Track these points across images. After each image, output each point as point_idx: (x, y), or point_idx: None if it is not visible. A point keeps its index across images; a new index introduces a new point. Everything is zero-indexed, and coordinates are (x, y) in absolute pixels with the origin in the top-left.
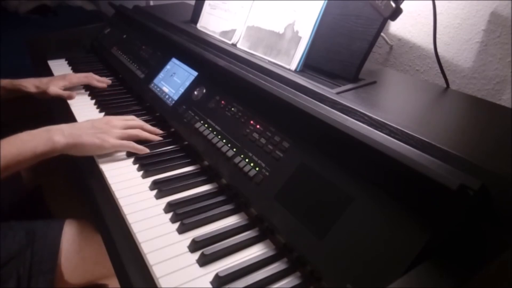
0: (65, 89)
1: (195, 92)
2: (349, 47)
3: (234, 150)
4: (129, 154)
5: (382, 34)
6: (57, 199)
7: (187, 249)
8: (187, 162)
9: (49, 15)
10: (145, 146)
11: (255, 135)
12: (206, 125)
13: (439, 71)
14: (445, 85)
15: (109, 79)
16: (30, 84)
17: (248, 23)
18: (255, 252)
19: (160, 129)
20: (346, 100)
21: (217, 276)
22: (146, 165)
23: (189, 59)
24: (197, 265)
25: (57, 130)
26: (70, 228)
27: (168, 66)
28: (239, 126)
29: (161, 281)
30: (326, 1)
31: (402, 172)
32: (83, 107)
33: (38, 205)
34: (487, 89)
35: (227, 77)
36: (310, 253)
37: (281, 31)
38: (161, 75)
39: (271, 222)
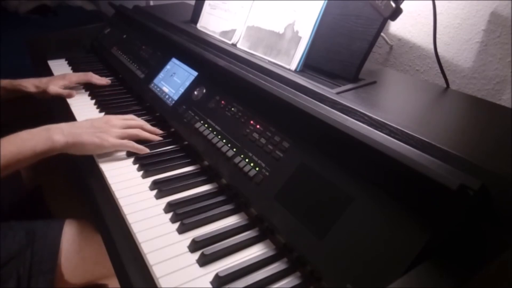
0: (65, 88)
1: (195, 92)
2: (349, 47)
3: (234, 150)
4: (129, 154)
5: (382, 34)
6: (57, 199)
7: (187, 249)
8: (187, 162)
9: (49, 15)
10: (145, 146)
11: (255, 135)
12: (206, 125)
13: (439, 71)
14: (445, 85)
15: (109, 79)
16: (29, 84)
17: (248, 23)
18: (255, 252)
19: (160, 129)
20: (346, 100)
21: (217, 276)
22: (146, 165)
23: (189, 59)
24: (197, 265)
25: (56, 129)
26: (70, 228)
27: (168, 66)
28: (239, 126)
29: (161, 281)
30: (326, 1)
31: (402, 172)
32: (83, 107)
33: (38, 205)
34: (487, 89)
35: (227, 77)
36: (310, 253)
37: (281, 31)
38: (161, 75)
39: (271, 222)
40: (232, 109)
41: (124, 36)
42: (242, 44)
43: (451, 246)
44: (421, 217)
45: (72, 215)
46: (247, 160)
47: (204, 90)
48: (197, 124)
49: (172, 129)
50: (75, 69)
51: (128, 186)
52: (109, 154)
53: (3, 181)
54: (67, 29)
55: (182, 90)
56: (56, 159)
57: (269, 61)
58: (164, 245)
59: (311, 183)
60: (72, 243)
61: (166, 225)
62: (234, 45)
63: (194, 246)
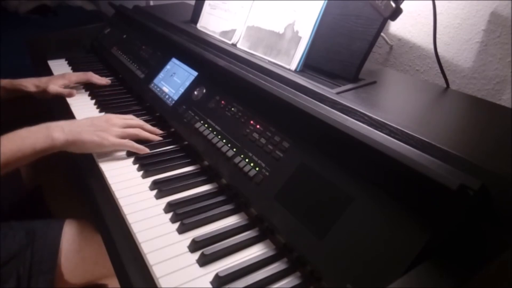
0: (65, 88)
1: (195, 92)
2: (349, 47)
3: (234, 150)
4: (129, 154)
5: (382, 34)
6: (57, 199)
7: (187, 249)
8: (187, 162)
9: (49, 15)
10: (145, 146)
11: (255, 135)
12: (206, 125)
13: (439, 71)
14: (445, 85)
15: (109, 79)
16: (29, 83)
17: (248, 23)
18: (255, 252)
19: (160, 129)
20: (346, 100)
21: (217, 276)
22: (146, 165)
23: (189, 59)
24: (197, 265)
25: (56, 127)
26: (70, 228)
27: (168, 66)
28: (239, 126)
29: (161, 281)
30: (326, 1)
31: (402, 172)
32: (83, 107)
33: (38, 205)
34: (487, 89)
35: (227, 77)
36: (310, 253)
37: (281, 31)
38: (161, 75)
39: (271, 222)
40: (232, 109)
41: (124, 36)
42: (242, 44)
43: (451, 246)
44: (421, 217)
45: (72, 215)
46: (247, 160)
47: (204, 90)
48: (197, 124)
49: (172, 129)
50: (75, 69)
51: (128, 186)
52: (109, 154)
53: (3, 181)
54: (67, 29)
55: (182, 90)
56: (56, 159)
57: (269, 61)
58: (164, 245)
59: (311, 183)
60: (72, 243)
61: (166, 225)
62: (234, 45)
63: (194, 246)
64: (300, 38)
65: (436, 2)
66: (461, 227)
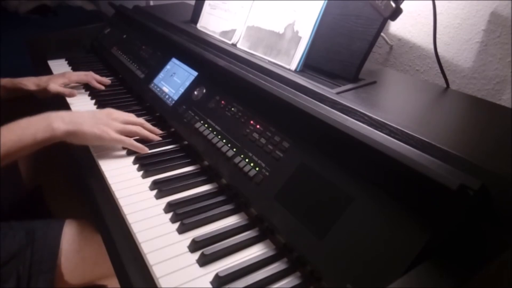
0: (65, 87)
1: (195, 92)
2: (349, 47)
3: (234, 150)
4: (129, 153)
5: (382, 34)
6: (57, 199)
7: (187, 249)
8: (187, 162)
9: (49, 15)
10: (145, 146)
11: (255, 135)
12: (206, 125)
13: (439, 71)
14: (445, 85)
15: (109, 79)
16: (30, 82)
17: (248, 23)
18: (255, 252)
19: (160, 129)
20: (346, 100)
21: (217, 276)
22: (146, 164)
23: (189, 59)
24: (197, 265)
25: (57, 117)
26: (70, 228)
27: (168, 66)
28: (239, 126)
29: (161, 281)
30: (326, 1)
31: (402, 172)
32: (83, 107)
33: (38, 205)
34: (487, 89)
35: (227, 77)
36: (310, 253)
37: (281, 31)
38: (161, 75)
39: (271, 222)
40: (232, 109)
41: (124, 36)
42: (242, 44)
43: (451, 246)
44: (421, 217)
45: (72, 215)
46: (247, 160)
47: (204, 90)
48: (197, 124)
49: (172, 129)
50: (75, 69)
51: (128, 186)
52: (109, 154)
53: (3, 181)
54: (67, 29)
55: (182, 90)
56: (56, 159)
57: (269, 61)
58: (164, 245)
59: (311, 183)
60: (72, 243)
61: (166, 225)
62: (234, 45)
63: (194, 246)
64: (300, 38)
65: (436, 2)
66: (461, 227)
